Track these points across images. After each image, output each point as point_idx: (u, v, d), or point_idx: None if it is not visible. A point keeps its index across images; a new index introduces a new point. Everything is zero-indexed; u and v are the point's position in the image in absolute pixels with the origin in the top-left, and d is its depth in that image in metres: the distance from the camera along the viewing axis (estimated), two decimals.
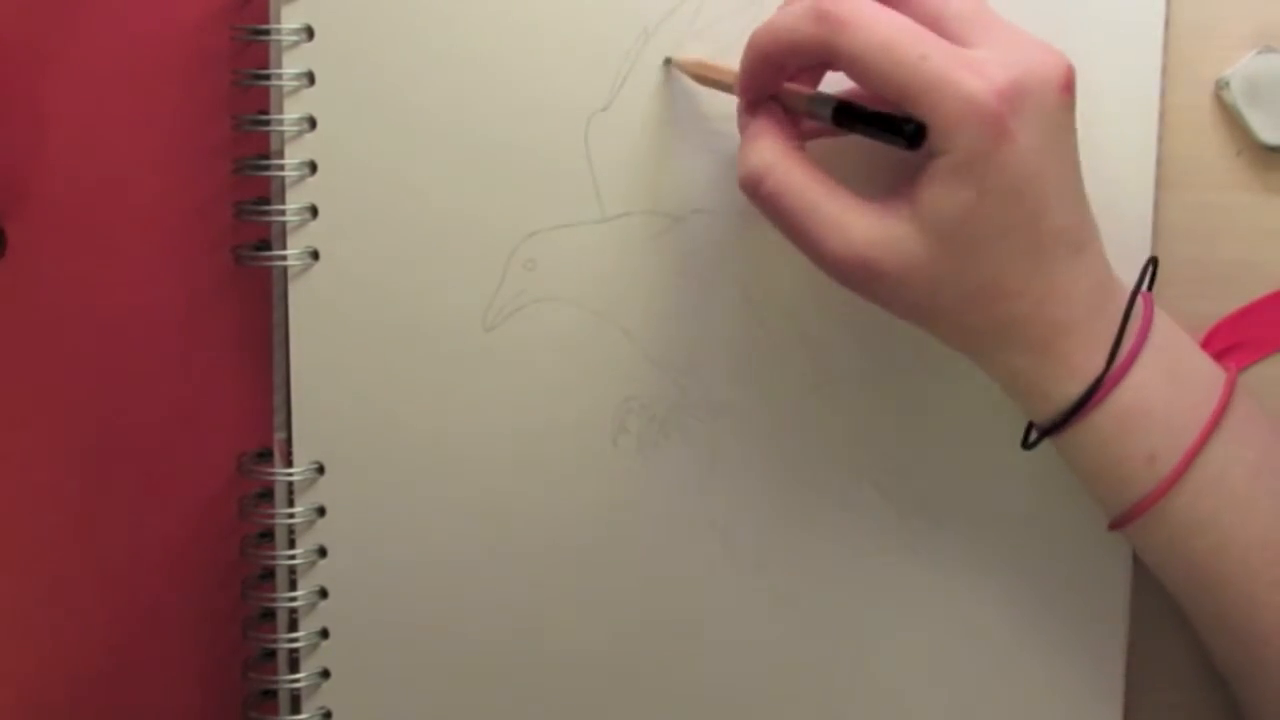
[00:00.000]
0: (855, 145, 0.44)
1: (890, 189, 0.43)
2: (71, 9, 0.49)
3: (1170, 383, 0.44)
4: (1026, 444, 0.46)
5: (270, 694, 0.51)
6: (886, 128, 0.41)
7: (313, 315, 0.49)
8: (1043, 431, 0.45)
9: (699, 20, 0.48)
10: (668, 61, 0.48)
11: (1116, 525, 0.46)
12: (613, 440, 0.50)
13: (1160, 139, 0.49)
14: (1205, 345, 0.50)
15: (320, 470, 0.50)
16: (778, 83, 0.44)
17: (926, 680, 0.52)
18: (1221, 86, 0.50)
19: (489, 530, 0.50)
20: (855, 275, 0.42)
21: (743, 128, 0.45)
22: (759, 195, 0.43)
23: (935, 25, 0.42)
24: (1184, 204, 0.50)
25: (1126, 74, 0.49)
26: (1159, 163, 0.50)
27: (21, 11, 0.49)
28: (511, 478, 0.50)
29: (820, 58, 0.42)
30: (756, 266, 0.49)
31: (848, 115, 0.42)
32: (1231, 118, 0.50)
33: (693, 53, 0.48)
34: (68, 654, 0.52)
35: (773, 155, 0.43)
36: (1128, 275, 0.47)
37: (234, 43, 0.49)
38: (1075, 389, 0.43)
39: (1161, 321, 0.45)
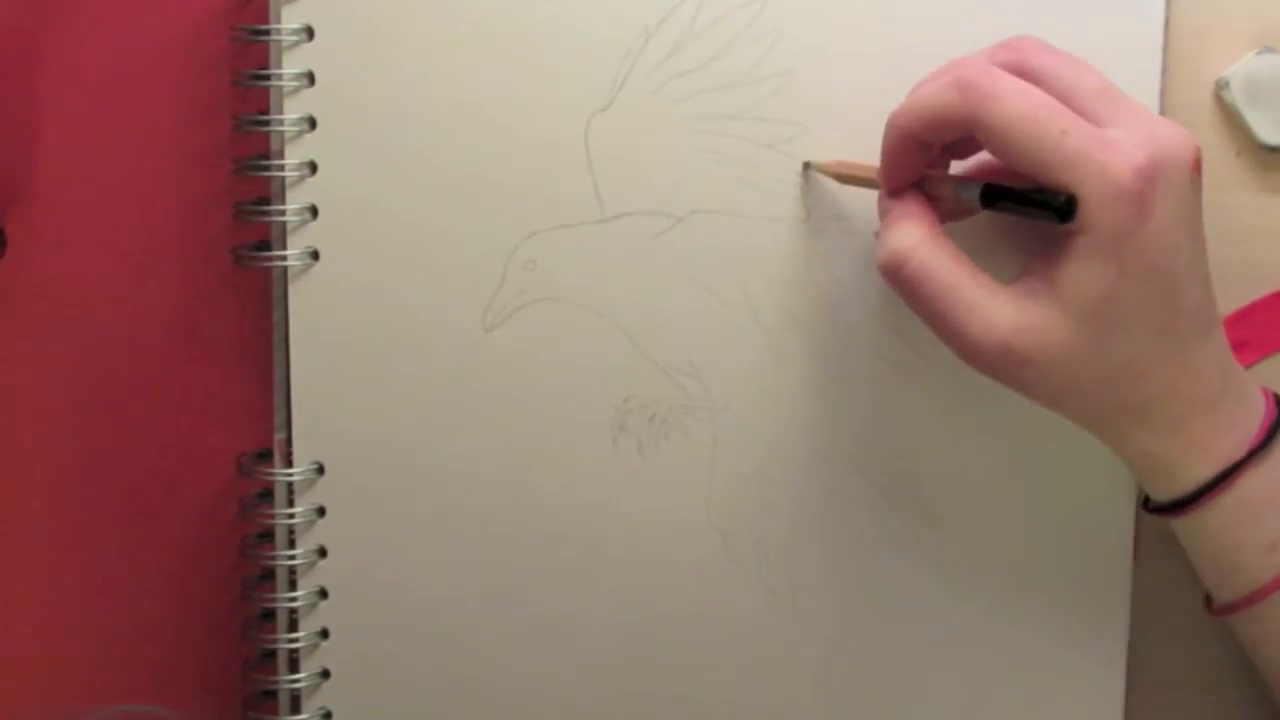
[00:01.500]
0: (984, 230, 0.44)
1: (1022, 274, 0.43)
2: (71, 9, 0.49)
3: None
4: (1148, 509, 0.47)
5: (270, 694, 0.51)
6: (1038, 204, 0.41)
7: (313, 315, 0.49)
8: (1165, 509, 0.45)
9: (699, 20, 0.48)
10: (807, 166, 0.49)
11: (1224, 611, 0.46)
12: (613, 440, 0.50)
13: None
14: None
15: (320, 470, 0.50)
16: (920, 164, 0.45)
17: (926, 680, 0.52)
18: (1221, 86, 0.50)
19: (489, 530, 0.50)
20: (998, 361, 0.42)
21: (884, 213, 0.45)
22: (901, 277, 0.43)
23: (1068, 102, 0.42)
24: None
25: (1126, 74, 0.49)
26: None
27: (21, 11, 0.49)
28: (511, 478, 0.50)
29: (961, 131, 0.43)
30: (756, 266, 0.49)
31: (997, 195, 0.42)
32: (1231, 118, 0.50)
33: (695, 57, 0.48)
34: (68, 654, 0.52)
35: (916, 238, 0.43)
36: None
37: (234, 43, 0.49)
38: (1206, 471, 0.44)
39: None
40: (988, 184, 0.43)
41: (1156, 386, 0.43)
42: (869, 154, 0.48)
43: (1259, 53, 0.49)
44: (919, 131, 0.43)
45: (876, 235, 0.45)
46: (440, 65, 0.48)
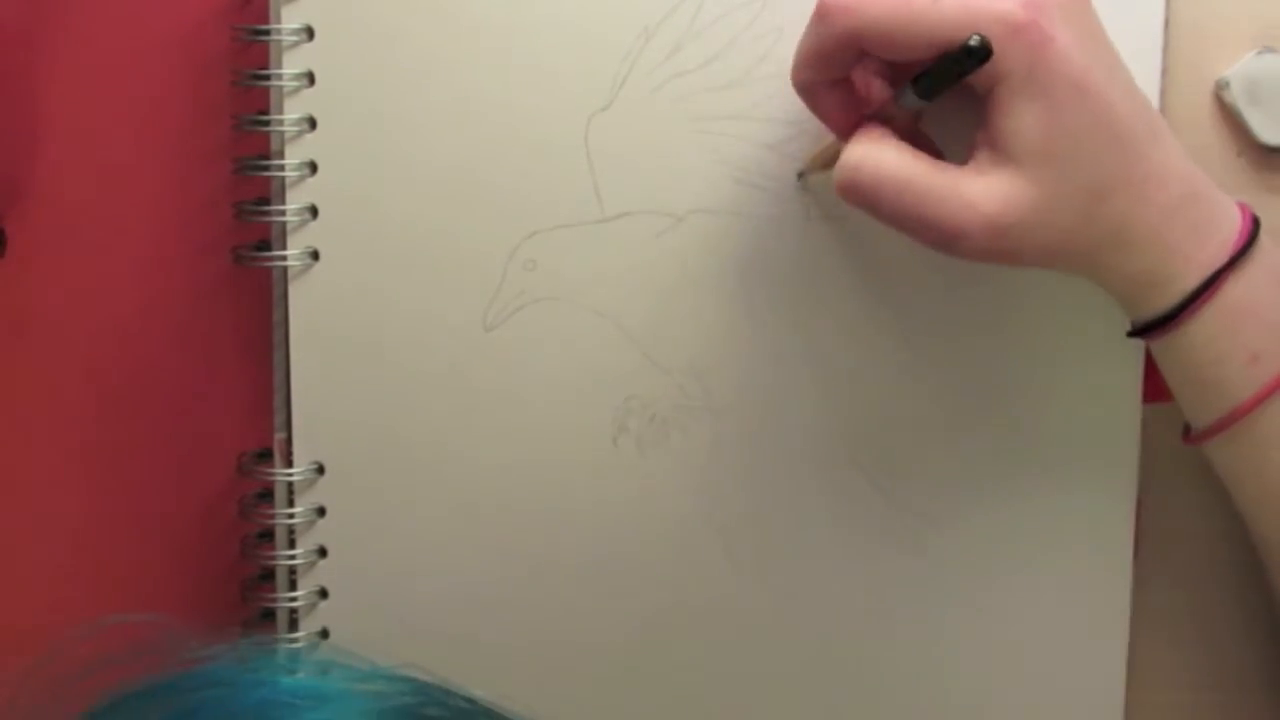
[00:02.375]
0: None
1: (970, 153, 0.43)
2: (71, 9, 0.49)
3: (1276, 284, 0.44)
4: (1131, 334, 0.46)
5: None
6: (959, 62, 0.41)
7: (313, 315, 0.49)
8: (1149, 329, 0.45)
9: (699, 20, 0.48)
10: (801, 176, 0.49)
11: (1202, 437, 0.46)
12: (613, 440, 0.50)
13: None
14: None
15: (320, 470, 0.50)
16: (847, 99, 0.44)
17: (926, 680, 0.52)
18: (1221, 86, 0.50)
19: (489, 530, 0.50)
20: (986, 239, 0.42)
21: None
22: (860, 188, 0.43)
23: None
24: None
25: None
26: None
27: (21, 11, 0.49)
28: (511, 477, 0.50)
29: (848, 51, 0.43)
30: (756, 266, 0.49)
31: (928, 80, 0.42)
32: (1231, 118, 0.50)
33: (695, 57, 0.48)
34: (67, 654, 0.52)
35: (861, 147, 0.43)
36: None
37: (234, 43, 0.49)
38: (1190, 281, 0.43)
39: (1259, 227, 0.45)
40: (915, 78, 0.42)
41: (1123, 200, 0.42)
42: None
43: (1259, 53, 0.49)
44: (818, 75, 0.44)
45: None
46: (440, 65, 0.48)
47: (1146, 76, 0.49)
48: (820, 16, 0.42)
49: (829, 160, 0.46)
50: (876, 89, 0.43)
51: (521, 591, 0.51)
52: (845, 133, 0.45)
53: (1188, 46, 0.49)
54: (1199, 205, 0.44)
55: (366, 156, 0.48)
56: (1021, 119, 0.41)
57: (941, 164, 0.43)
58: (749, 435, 0.50)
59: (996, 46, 0.40)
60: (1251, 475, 0.46)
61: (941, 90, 0.42)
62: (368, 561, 0.50)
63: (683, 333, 0.50)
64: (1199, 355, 0.44)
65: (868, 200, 0.43)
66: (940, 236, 0.42)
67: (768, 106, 0.49)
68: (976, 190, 0.42)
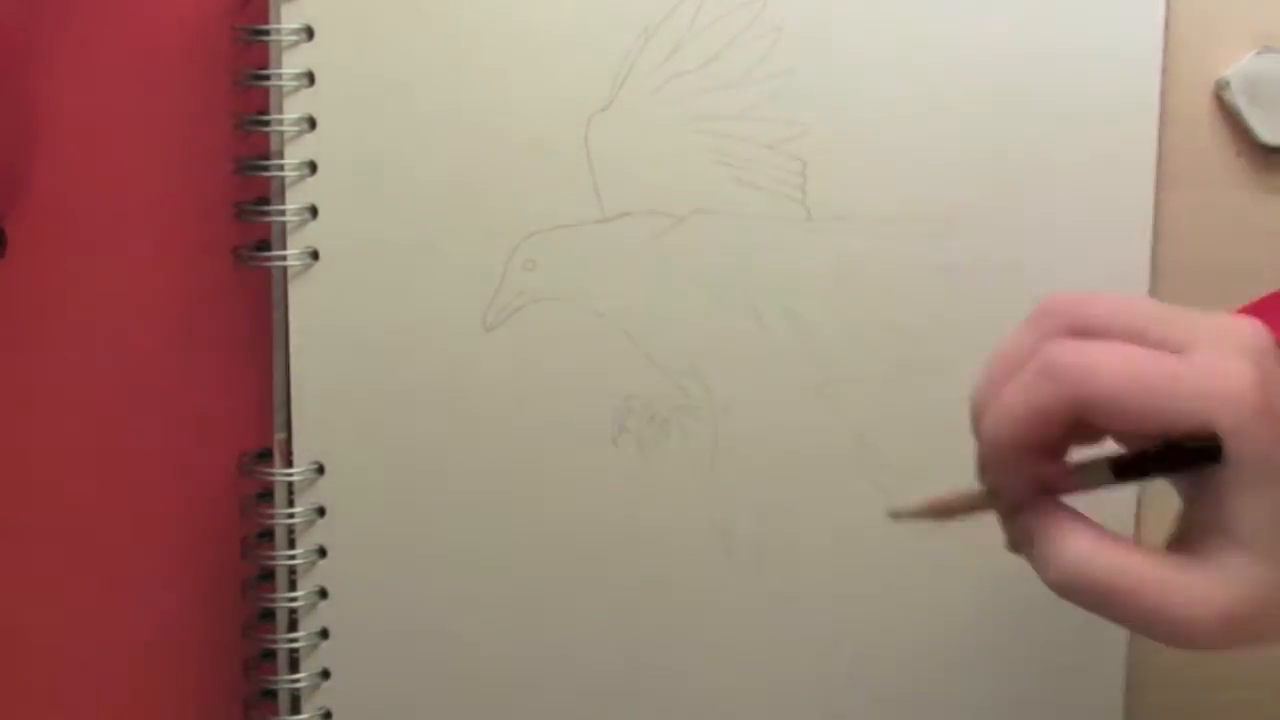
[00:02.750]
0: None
1: (1184, 531, 0.40)
2: (71, 9, 0.49)
3: None
4: None
5: (270, 694, 0.51)
6: (1185, 459, 0.38)
7: (313, 315, 0.49)
8: None
9: (699, 20, 0.48)
10: (893, 515, 0.44)
11: None
12: (613, 440, 0.50)
13: (1160, 139, 0.49)
14: None
15: (320, 470, 0.50)
16: (1032, 471, 0.40)
17: (926, 680, 0.52)
18: (1221, 86, 0.50)
19: (489, 530, 0.50)
20: (1223, 632, 0.38)
21: (1024, 533, 0.40)
22: (1084, 591, 0.39)
23: (1142, 339, 0.39)
24: (1184, 204, 0.50)
25: (1126, 74, 0.49)
26: (1159, 163, 0.50)
27: (21, 11, 0.49)
28: (511, 478, 0.50)
29: (1072, 417, 0.38)
30: (756, 266, 0.49)
31: (1132, 466, 0.39)
32: (1231, 118, 0.50)
33: (695, 57, 0.48)
34: (67, 653, 0.52)
35: (1083, 547, 0.39)
36: (1127, 276, 0.47)
37: (234, 43, 0.49)
38: None
39: None
40: (1114, 459, 0.39)
41: None
42: (871, 155, 0.48)
43: (1259, 53, 0.49)
44: (1027, 438, 0.39)
45: (1020, 550, 0.41)
46: (440, 65, 0.48)
47: (1146, 76, 0.49)
48: (1051, 374, 0.38)
49: (951, 510, 0.43)
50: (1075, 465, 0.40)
51: (520, 591, 0.51)
52: (1014, 498, 0.41)
53: (1188, 46, 0.50)
54: None
55: (366, 156, 0.48)
56: (1259, 505, 0.38)
57: (1160, 554, 0.39)
58: (749, 435, 0.50)
59: (1233, 432, 0.37)
60: None
61: (1147, 479, 0.39)
62: (368, 561, 0.50)
63: (683, 333, 0.50)
64: None
65: (1094, 601, 0.39)
66: (1170, 635, 0.38)
67: (768, 106, 0.49)
68: (1211, 584, 0.38)
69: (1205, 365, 0.38)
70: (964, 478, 0.51)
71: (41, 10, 0.49)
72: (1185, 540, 0.39)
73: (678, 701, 0.52)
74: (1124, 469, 0.39)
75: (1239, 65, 0.49)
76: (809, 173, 0.49)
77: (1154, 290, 0.50)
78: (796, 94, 0.49)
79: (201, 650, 0.52)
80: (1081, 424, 0.39)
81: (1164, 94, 0.49)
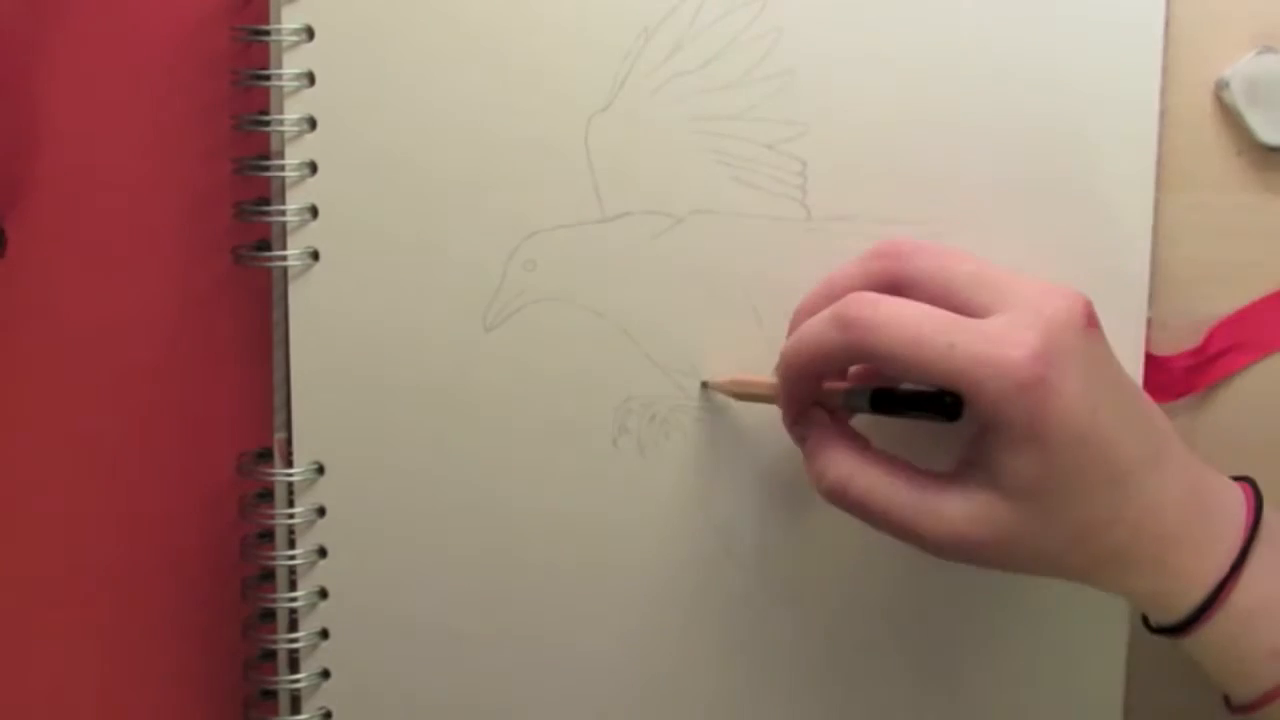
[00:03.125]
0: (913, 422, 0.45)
1: (959, 462, 0.44)
2: (71, 9, 0.49)
3: None
4: (1153, 631, 0.47)
5: (270, 694, 0.51)
6: (925, 407, 0.43)
7: (313, 315, 0.49)
8: (1165, 632, 0.45)
9: (699, 20, 0.48)
10: (704, 385, 0.49)
11: (1241, 710, 0.46)
12: (613, 440, 0.50)
13: (1160, 139, 0.49)
14: (1205, 345, 0.50)
15: (320, 470, 0.50)
16: (816, 390, 0.46)
17: (926, 680, 0.52)
18: (1221, 86, 0.50)
19: (489, 530, 0.50)
20: (957, 553, 0.43)
21: (799, 439, 0.46)
22: (846, 503, 0.44)
23: (948, 296, 0.43)
24: (1184, 204, 0.50)
25: (1126, 74, 0.49)
26: (1159, 163, 0.50)
27: (21, 11, 0.49)
28: (511, 478, 0.50)
29: (852, 360, 0.44)
30: (756, 266, 0.49)
31: (886, 402, 0.44)
32: (1231, 118, 0.50)
33: (695, 57, 0.48)
34: (67, 654, 0.52)
35: (848, 463, 0.44)
36: (1127, 276, 0.47)
37: (234, 43, 0.49)
38: (1194, 597, 0.44)
39: (1268, 513, 0.45)
40: (874, 392, 0.44)
41: (1121, 534, 0.43)
42: (871, 156, 0.48)
43: (1259, 53, 0.49)
44: (812, 369, 0.45)
45: (805, 456, 0.46)
46: (440, 65, 0.48)
47: (1146, 76, 0.49)
48: (841, 324, 0.43)
49: (750, 395, 0.48)
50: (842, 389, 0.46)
51: (520, 591, 0.51)
52: (794, 414, 0.46)
53: (1188, 46, 0.49)
54: (1201, 523, 0.44)
55: (366, 156, 0.48)
56: (1015, 461, 0.42)
57: (921, 476, 0.44)
58: (749, 435, 0.50)
59: (999, 399, 0.41)
60: None
61: (898, 416, 0.44)
62: (368, 561, 0.50)
63: (683, 333, 0.50)
64: (1219, 656, 0.45)
65: (854, 513, 0.45)
66: (917, 545, 0.44)
67: (767, 106, 0.49)
68: (956, 509, 0.43)
69: (988, 334, 0.42)
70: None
71: (41, 10, 0.49)
72: (957, 466, 0.44)
73: (678, 701, 0.52)
74: (879, 400, 0.44)
75: (1239, 65, 0.49)
76: (809, 173, 0.49)
77: (1154, 290, 0.50)
78: (796, 94, 0.49)
79: (201, 650, 0.52)
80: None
81: (1164, 94, 0.49)
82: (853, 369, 0.46)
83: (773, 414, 0.48)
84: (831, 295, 0.45)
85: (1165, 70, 0.49)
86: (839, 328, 0.43)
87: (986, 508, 0.43)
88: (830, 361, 0.44)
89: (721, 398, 0.50)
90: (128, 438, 0.51)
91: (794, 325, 0.47)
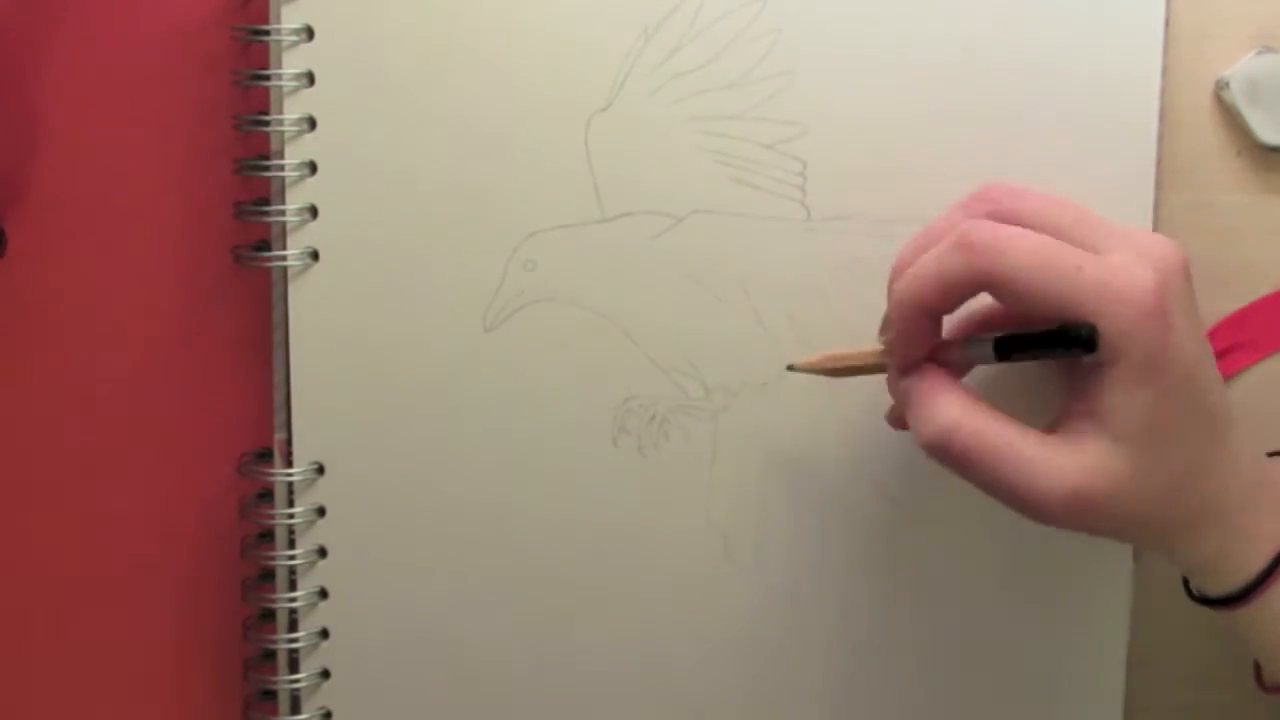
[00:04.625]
0: (1003, 380, 0.45)
1: (1061, 417, 0.43)
2: (71, 9, 0.49)
3: None
4: (1199, 602, 0.46)
5: (270, 694, 0.51)
6: (1060, 343, 0.41)
7: (313, 315, 0.49)
8: (1219, 603, 0.45)
9: (699, 20, 0.48)
10: (791, 368, 0.48)
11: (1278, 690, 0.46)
12: (613, 440, 0.50)
13: (1160, 139, 0.49)
14: None
15: (320, 470, 0.50)
16: (933, 334, 0.44)
17: (926, 680, 0.52)
18: (1221, 86, 0.50)
19: (489, 530, 0.50)
20: (1071, 508, 0.42)
21: (906, 391, 0.45)
22: (953, 452, 0.43)
23: (1058, 237, 0.42)
24: (1184, 204, 0.50)
25: (1126, 74, 0.49)
26: (1159, 163, 0.50)
27: (21, 11, 0.49)
28: (511, 478, 0.50)
29: (974, 290, 0.42)
30: (756, 266, 0.49)
31: (1012, 344, 0.42)
32: (1231, 118, 0.50)
33: (695, 57, 0.48)
34: (67, 654, 0.52)
35: (958, 409, 0.43)
36: None
37: (234, 43, 0.49)
38: (1257, 561, 0.43)
39: None
40: (999, 337, 0.43)
41: (1210, 486, 0.43)
42: (871, 156, 0.48)
43: (1259, 53, 0.49)
44: (933, 302, 0.43)
45: (897, 416, 0.45)
46: (440, 65, 0.48)
47: (1146, 76, 0.49)
48: (963, 247, 0.42)
49: (847, 368, 0.47)
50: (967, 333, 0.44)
51: (521, 591, 0.51)
52: (910, 360, 0.44)
53: (1188, 46, 0.49)
54: (1267, 487, 0.44)
55: (366, 156, 0.48)
56: (1130, 401, 0.41)
57: (1031, 431, 0.42)
58: (749, 435, 0.50)
59: (1123, 328, 0.40)
60: None
61: (1023, 359, 0.42)
62: (368, 561, 0.50)
63: (683, 333, 0.50)
64: (1272, 629, 0.44)
65: (956, 462, 0.43)
66: (1023, 504, 0.42)
67: (768, 106, 0.49)
68: (1068, 462, 0.42)
69: (1111, 264, 0.41)
70: (963, 480, 0.51)
71: (41, 10, 0.49)
72: (1058, 426, 0.43)
73: (678, 701, 0.52)
74: (1004, 346, 0.43)
75: (1239, 65, 0.49)
76: (809, 173, 0.49)
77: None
78: (796, 94, 0.49)
79: (201, 650, 0.52)
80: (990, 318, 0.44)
81: (1164, 94, 0.49)
82: (954, 322, 0.45)
83: (777, 413, 0.48)
84: (934, 238, 0.43)
85: (1165, 70, 0.49)
86: (964, 251, 0.42)
87: (1100, 457, 0.41)
88: (952, 292, 0.42)
89: (720, 398, 0.50)
90: (127, 438, 0.51)
91: (896, 275, 0.45)
